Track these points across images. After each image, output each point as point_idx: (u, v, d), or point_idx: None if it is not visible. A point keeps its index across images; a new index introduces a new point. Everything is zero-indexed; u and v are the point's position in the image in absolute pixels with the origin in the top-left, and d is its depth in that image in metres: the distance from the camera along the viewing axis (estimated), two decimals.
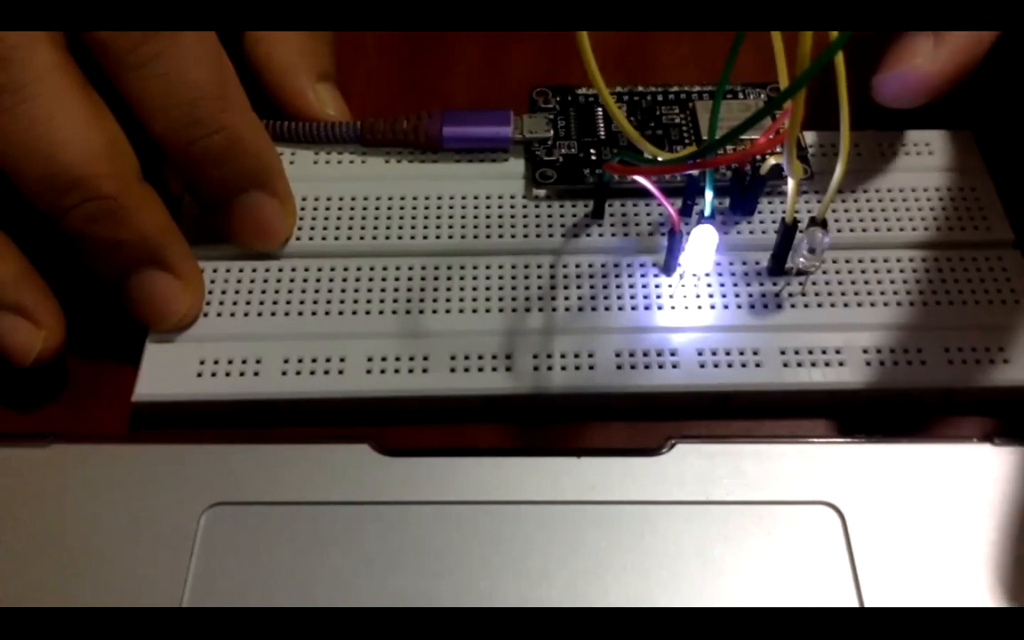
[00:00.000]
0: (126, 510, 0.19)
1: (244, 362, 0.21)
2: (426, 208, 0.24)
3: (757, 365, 0.21)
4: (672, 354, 0.21)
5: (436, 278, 0.22)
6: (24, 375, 0.21)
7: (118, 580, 0.18)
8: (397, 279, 0.22)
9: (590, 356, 0.21)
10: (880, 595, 0.18)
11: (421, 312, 0.22)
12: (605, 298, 0.22)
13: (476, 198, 0.24)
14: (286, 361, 0.21)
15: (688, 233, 0.22)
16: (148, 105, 0.20)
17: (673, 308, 0.22)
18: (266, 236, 0.22)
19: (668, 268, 0.22)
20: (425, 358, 0.21)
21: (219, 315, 0.22)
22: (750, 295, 0.22)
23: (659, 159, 0.21)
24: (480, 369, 0.21)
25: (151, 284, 0.21)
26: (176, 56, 0.19)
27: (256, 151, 0.21)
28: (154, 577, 0.18)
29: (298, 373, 0.21)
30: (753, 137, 0.23)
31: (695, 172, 0.21)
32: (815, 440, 0.20)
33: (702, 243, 0.21)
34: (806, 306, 0.22)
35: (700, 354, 0.21)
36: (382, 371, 0.21)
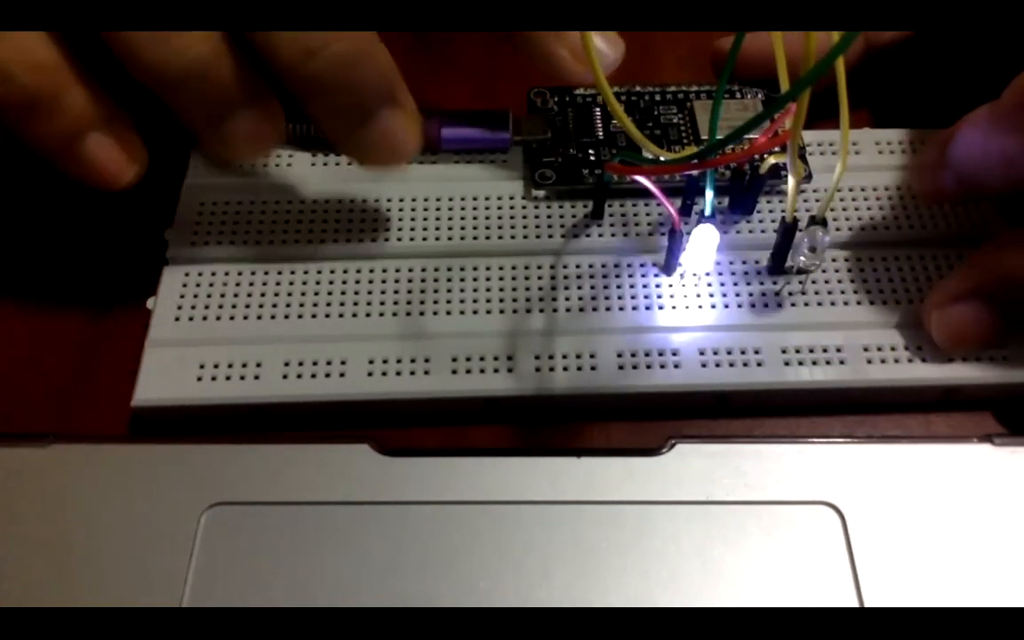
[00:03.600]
0: (126, 510, 0.19)
1: (244, 366, 0.21)
2: (425, 209, 0.24)
3: (758, 364, 0.21)
4: (673, 354, 0.21)
5: (436, 280, 0.22)
6: (24, 374, 0.21)
7: (118, 580, 0.18)
8: (397, 281, 0.22)
9: (592, 356, 0.21)
10: (880, 595, 0.18)
11: (422, 314, 0.22)
12: (606, 298, 0.22)
13: (475, 199, 0.24)
14: (287, 364, 0.21)
15: (688, 233, 0.22)
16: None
17: (674, 308, 0.22)
18: (402, 154, 0.21)
19: (668, 268, 0.22)
20: (426, 360, 0.21)
21: (218, 319, 0.22)
22: (750, 294, 0.22)
23: (661, 159, 0.21)
24: (482, 370, 0.21)
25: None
26: None
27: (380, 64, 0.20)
28: (154, 577, 0.18)
29: (299, 376, 0.21)
30: (752, 137, 0.23)
31: (695, 172, 0.21)
32: (815, 440, 0.20)
33: (703, 243, 0.21)
34: (806, 305, 0.22)
35: (701, 354, 0.21)
36: (383, 373, 0.21)
